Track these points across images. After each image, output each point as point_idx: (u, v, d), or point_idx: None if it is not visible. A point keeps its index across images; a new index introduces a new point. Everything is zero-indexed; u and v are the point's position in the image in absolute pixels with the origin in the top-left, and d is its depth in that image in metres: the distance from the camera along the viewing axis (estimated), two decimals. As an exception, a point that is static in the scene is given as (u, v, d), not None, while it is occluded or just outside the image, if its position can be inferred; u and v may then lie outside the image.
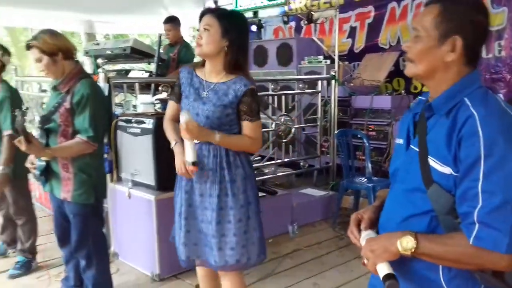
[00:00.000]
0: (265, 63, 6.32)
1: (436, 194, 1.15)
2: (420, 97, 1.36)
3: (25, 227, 3.35)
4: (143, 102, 3.35)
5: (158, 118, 3.10)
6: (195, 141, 2.05)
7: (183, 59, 4.88)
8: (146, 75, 4.39)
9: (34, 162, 2.52)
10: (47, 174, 2.50)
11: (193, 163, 2.00)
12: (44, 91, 5.00)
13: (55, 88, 2.49)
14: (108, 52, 4.30)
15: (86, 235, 2.54)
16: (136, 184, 3.29)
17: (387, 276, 1.15)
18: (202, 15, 2.09)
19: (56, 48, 2.35)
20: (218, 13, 2.08)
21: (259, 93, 4.54)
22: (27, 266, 3.32)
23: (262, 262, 2.27)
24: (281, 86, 4.80)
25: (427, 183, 1.16)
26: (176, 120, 2.21)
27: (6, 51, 3.20)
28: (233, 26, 2.05)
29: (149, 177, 3.16)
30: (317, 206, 4.46)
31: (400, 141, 1.34)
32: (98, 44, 4.72)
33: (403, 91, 5.34)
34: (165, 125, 2.30)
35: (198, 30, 2.10)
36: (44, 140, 2.44)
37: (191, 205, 2.18)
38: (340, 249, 3.72)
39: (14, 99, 3.12)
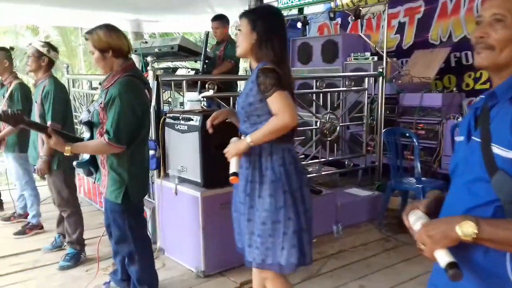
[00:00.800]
0: (309, 60, 6.25)
1: (501, 182, 1.09)
2: (481, 96, 1.29)
3: (70, 219, 3.46)
4: (190, 99, 3.37)
5: (205, 115, 3.11)
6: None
7: (227, 54, 4.88)
8: (192, 73, 4.42)
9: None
10: (96, 166, 2.56)
11: (233, 174, 2.03)
12: (94, 88, 5.15)
13: (101, 85, 2.56)
14: (156, 50, 4.36)
15: (124, 231, 2.57)
16: (182, 180, 3.32)
17: (450, 265, 1.08)
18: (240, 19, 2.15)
19: (107, 46, 2.38)
20: (246, 12, 2.14)
21: (303, 90, 4.50)
22: (76, 258, 3.43)
23: (296, 270, 2.14)
24: (326, 84, 4.72)
25: (490, 171, 1.11)
26: None
27: (52, 48, 3.33)
28: (260, 18, 2.06)
29: (196, 174, 3.18)
30: (362, 207, 4.35)
31: (460, 138, 1.29)
32: (146, 42, 4.80)
33: (454, 89, 5.14)
34: None
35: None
36: (89, 134, 2.51)
37: (252, 206, 2.17)
38: (387, 251, 3.62)
39: (59, 93, 3.24)
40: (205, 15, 7.69)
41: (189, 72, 4.45)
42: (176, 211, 3.35)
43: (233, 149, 2.09)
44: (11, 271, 3.35)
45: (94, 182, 2.80)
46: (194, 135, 3.15)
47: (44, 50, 3.27)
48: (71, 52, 14.11)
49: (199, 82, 4.23)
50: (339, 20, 7.09)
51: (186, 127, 3.23)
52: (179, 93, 4.01)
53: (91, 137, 2.49)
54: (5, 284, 3.15)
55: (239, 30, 2.10)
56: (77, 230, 3.45)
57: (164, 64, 6.03)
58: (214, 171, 3.15)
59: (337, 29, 7.15)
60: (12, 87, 3.87)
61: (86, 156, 2.55)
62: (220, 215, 3.15)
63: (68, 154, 2.35)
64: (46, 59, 3.28)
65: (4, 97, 3.90)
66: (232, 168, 2.05)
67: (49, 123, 3.14)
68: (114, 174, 2.44)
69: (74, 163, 2.58)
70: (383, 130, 4.63)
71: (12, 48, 4.29)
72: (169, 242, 3.52)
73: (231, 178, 2.02)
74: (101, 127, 2.43)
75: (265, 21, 2.04)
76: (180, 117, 3.28)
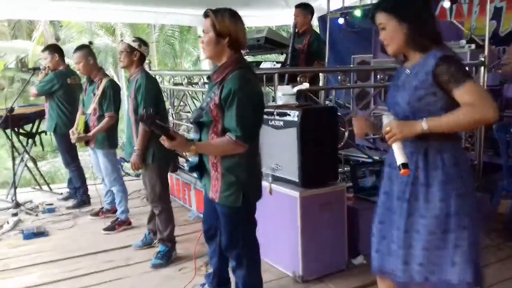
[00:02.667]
0: (394, 51, 5.86)
1: None
2: None
3: (161, 216, 3.39)
4: (285, 93, 3.18)
5: (305, 110, 2.91)
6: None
7: (315, 52, 4.61)
8: (278, 66, 4.23)
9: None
10: (201, 168, 2.40)
11: (403, 165, 1.74)
12: (176, 84, 5.12)
13: (210, 79, 2.37)
14: (240, 43, 4.20)
15: (236, 237, 2.42)
16: (276, 179, 3.15)
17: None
18: (373, 15, 1.89)
19: (226, 31, 2.17)
20: (384, 6, 1.83)
21: (384, 83, 4.16)
22: (168, 256, 3.36)
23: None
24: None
25: None
26: None
27: (144, 43, 3.28)
28: (405, 8, 1.80)
29: (293, 173, 2.99)
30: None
31: None
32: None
33: None
34: None
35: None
36: (197, 135, 2.33)
37: (389, 208, 1.95)
38: (502, 261, 3.24)
39: (150, 85, 3.19)
40: (277, 9, 7.52)
41: (274, 65, 4.27)
42: (270, 211, 3.18)
43: (399, 131, 1.74)
44: (105, 268, 3.35)
45: (201, 185, 2.65)
46: (291, 131, 2.96)
47: (135, 45, 3.23)
48: (143, 49, 14.46)
49: (286, 75, 4.03)
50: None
51: (281, 123, 3.04)
52: (268, 87, 3.84)
53: (200, 139, 2.31)
54: (100, 281, 3.14)
55: (382, 28, 1.82)
56: (168, 227, 3.38)
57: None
58: (313, 170, 2.95)
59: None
60: (103, 84, 3.88)
61: (195, 158, 2.39)
62: (319, 216, 2.95)
63: (193, 154, 2.21)
64: (137, 54, 3.24)
65: (94, 94, 3.92)
66: (401, 158, 1.74)
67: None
68: (231, 177, 2.25)
69: (187, 166, 2.46)
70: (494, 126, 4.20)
71: (91, 43, 4.32)
72: (263, 243, 3.31)
73: (402, 170, 1.73)
74: (214, 125, 2.25)
75: (412, 8, 1.80)
76: (275, 112, 3.10)
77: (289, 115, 2.98)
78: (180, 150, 2.22)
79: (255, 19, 8.33)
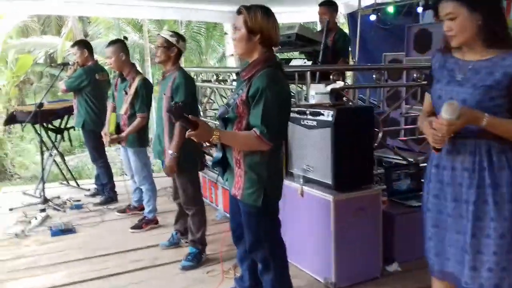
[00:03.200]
0: (428, 49, 5.65)
1: None
2: None
3: (195, 217, 3.33)
4: (318, 92, 3.06)
5: (339, 110, 2.80)
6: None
7: (341, 49, 4.48)
8: (309, 63, 4.11)
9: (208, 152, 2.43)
10: (224, 165, 2.36)
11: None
12: (205, 81, 5.06)
13: (238, 75, 2.33)
14: (270, 39, 4.09)
15: (259, 236, 2.35)
16: (308, 181, 3.04)
17: None
18: (435, 5, 1.79)
19: (258, 28, 2.14)
20: None
21: (416, 83, 3.99)
22: (198, 258, 3.29)
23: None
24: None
25: None
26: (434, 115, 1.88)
27: (182, 38, 3.19)
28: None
29: (326, 175, 2.87)
30: None
31: None
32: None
33: None
34: (419, 121, 2.00)
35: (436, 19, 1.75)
36: (210, 126, 2.27)
37: (441, 211, 1.85)
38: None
39: (189, 86, 3.12)
40: (305, 6, 7.38)
41: (305, 62, 4.15)
42: (301, 214, 3.08)
43: (454, 122, 1.62)
44: (133, 268, 3.30)
45: (223, 183, 2.60)
46: (324, 132, 2.84)
47: (173, 40, 3.14)
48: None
49: (317, 73, 3.91)
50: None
51: (315, 123, 2.93)
52: (298, 85, 3.73)
53: None
54: (128, 282, 3.10)
55: (450, 19, 1.71)
56: (200, 229, 3.31)
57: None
58: (348, 172, 2.83)
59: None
60: (136, 83, 3.80)
61: (219, 153, 2.35)
62: (354, 221, 2.84)
63: (215, 142, 2.14)
64: (175, 49, 3.15)
65: (126, 92, 3.86)
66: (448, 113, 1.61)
67: None
68: (253, 174, 2.21)
69: (210, 162, 2.40)
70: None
71: (126, 38, 4.27)
72: (292, 247, 3.20)
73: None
74: (238, 121, 2.22)
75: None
76: (308, 112, 2.99)
77: (322, 114, 2.87)
78: (204, 138, 2.14)
79: (285, 16, 8.23)
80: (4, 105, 11.64)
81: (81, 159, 11.47)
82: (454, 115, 1.59)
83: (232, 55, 12.72)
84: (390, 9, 5.85)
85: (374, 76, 3.60)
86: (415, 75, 3.78)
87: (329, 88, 3.08)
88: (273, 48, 2.27)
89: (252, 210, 2.28)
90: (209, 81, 4.98)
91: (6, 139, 11.05)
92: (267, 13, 2.18)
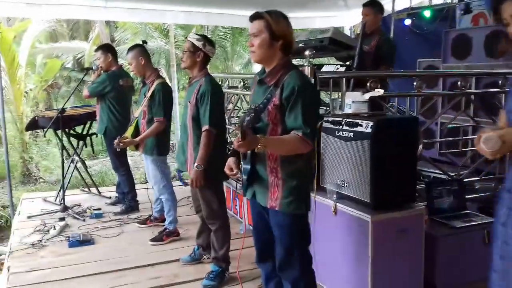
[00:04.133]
0: (467, 55, 5.32)
1: None
2: None
3: (218, 233, 3.11)
4: (355, 100, 2.80)
5: (380, 120, 2.53)
6: None
7: (386, 55, 4.17)
8: (342, 69, 3.85)
9: (234, 167, 2.26)
10: (250, 178, 2.20)
11: None
12: (231, 87, 4.85)
13: (261, 82, 2.19)
14: (301, 44, 3.86)
15: (292, 252, 2.20)
16: (342, 197, 2.78)
17: None
18: (495, 8, 1.61)
19: (281, 34, 2.09)
20: None
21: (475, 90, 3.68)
22: (221, 277, 3.07)
23: None
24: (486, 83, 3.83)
25: None
26: None
27: (209, 42, 2.98)
28: None
29: (363, 192, 2.61)
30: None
31: None
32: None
33: None
34: None
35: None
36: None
37: (507, 243, 1.64)
38: None
39: (217, 94, 2.91)
40: (335, 10, 7.13)
41: (338, 68, 3.89)
42: (333, 233, 2.81)
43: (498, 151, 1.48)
44: (150, 286, 3.10)
45: (246, 197, 2.37)
46: (362, 144, 2.58)
47: (199, 44, 2.94)
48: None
49: (351, 80, 3.65)
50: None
51: (351, 134, 2.67)
52: (327, 92, 3.49)
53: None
54: (145, 301, 2.90)
55: None
56: (224, 246, 3.09)
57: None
58: (388, 190, 2.57)
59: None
60: (153, 87, 3.64)
61: (247, 166, 2.18)
62: (394, 244, 2.56)
63: (261, 150, 1.98)
64: (201, 54, 2.96)
65: (145, 96, 3.69)
66: None
67: (205, 127, 2.83)
68: (292, 182, 2.12)
69: (244, 177, 2.21)
70: None
71: (145, 42, 4.11)
72: (322, 268, 2.96)
73: None
74: (272, 128, 2.09)
75: None
76: (343, 122, 2.73)
77: (360, 125, 2.61)
78: (253, 147, 1.97)
79: (311, 21, 8.01)
80: (32, 108, 11.72)
81: (105, 164, 11.44)
82: (495, 147, 1.46)
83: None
84: (427, 13, 5.54)
85: (414, 83, 3.31)
86: (459, 83, 3.47)
87: (367, 96, 2.83)
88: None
89: (290, 221, 2.16)
90: (236, 87, 4.77)
91: (32, 142, 11.11)
92: (287, 18, 2.13)
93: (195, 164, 2.86)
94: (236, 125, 1.97)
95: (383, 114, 2.79)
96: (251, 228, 4.06)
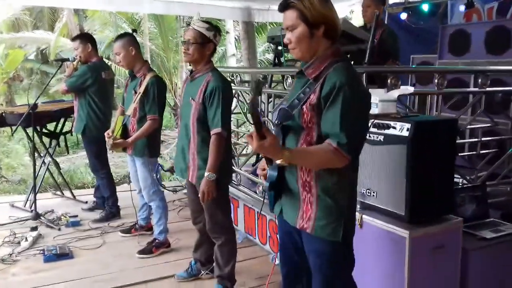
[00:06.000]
0: (465, 51, 5.13)
1: None
2: None
3: (223, 248, 2.75)
4: (382, 99, 2.49)
5: (418, 123, 2.22)
6: None
7: (391, 49, 3.90)
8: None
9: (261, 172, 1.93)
10: (278, 189, 1.84)
11: None
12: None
13: (300, 74, 1.81)
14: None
15: (333, 284, 1.85)
16: (368, 207, 2.46)
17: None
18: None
19: (321, 19, 1.69)
20: None
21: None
22: (226, 298, 2.70)
23: None
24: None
25: None
26: None
27: (218, 31, 2.59)
28: None
29: (396, 203, 2.29)
30: None
31: None
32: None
33: None
34: None
35: None
36: (280, 142, 1.76)
37: None
38: None
39: (228, 92, 2.53)
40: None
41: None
42: (360, 248, 2.49)
43: None
44: (144, 309, 2.71)
45: (273, 212, 2.01)
46: (396, 149, 2.26)
47: (210, 34, 2.52)
48: (167, 44, 13.85)
49: (364, 76, 3.34)
50: (495, 4, 5.88)
51: (381, 138, 2.35)
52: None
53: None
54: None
55: None
56: (230, 263, 2.73)
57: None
58: (426, 201, 2.26)
59: (492, 14, 5.93)
60: (146, 81, 3.21)
61: (273, 173, 1.81)
62: (431, 262, 2.27)
63: (285, 163, 1.63)
64: (211, 46, 2.56)
65: (136, 92, 3.26)
66: None
67: (217, 130, 2.45)
68: (329, 200, 1.74)
69: (266, 185, 1.83)
70: None
71: (135, 31, 3.69)
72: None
73: None
74: (306, 134, 1.73)
75: None
76: (371, 124, 2.41)
77: (393, 128, 2.30)
78: (271, 154, 1.62)
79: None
80: (-10, 102, 10.96)
81: (73, 161, 10.79)
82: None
83: (234, 55, 12.16)
84: (425, 7, 5.31)
85: (436, 80, 3.03)
86: (480, 80, 3.22)
87: (396, 94, 2.51)
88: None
89: (327, 249, 1.79)
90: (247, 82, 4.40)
91: (-8, 139, 10.36)
92: None
93: (207, 174, 2.47)
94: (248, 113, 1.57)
95: (416, 115, 2.48)
96: (248, 236, 3.74)
